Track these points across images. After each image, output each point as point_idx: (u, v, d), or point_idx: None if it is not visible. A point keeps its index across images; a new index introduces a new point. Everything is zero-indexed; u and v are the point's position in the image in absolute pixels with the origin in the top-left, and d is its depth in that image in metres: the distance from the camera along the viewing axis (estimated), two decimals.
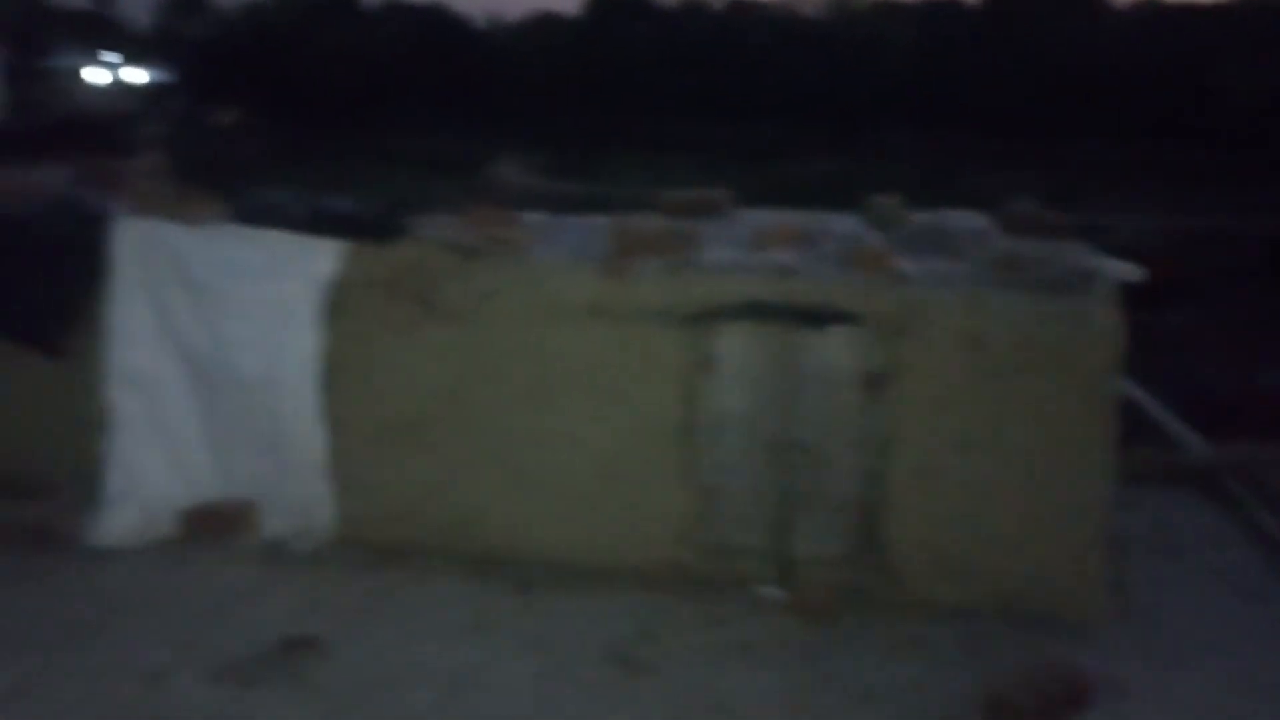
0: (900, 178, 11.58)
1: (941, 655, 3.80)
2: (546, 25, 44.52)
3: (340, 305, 4.33)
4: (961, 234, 4.57)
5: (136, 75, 41.59)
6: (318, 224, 4.44)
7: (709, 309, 4.08)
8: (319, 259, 4.36)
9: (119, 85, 40.87)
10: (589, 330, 4.09)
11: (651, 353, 4.12)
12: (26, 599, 4.03)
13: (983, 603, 4.03)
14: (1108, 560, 4.07)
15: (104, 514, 4.41)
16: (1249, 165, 24.78)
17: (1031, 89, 30.92)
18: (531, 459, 4.26)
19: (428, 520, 4.37)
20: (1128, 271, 4.26)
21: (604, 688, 3.58)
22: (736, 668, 3.70)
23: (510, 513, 4.32)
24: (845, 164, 25.25)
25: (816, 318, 4.00)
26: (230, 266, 4.42)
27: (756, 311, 4.03)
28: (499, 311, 4.15)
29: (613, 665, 3.69)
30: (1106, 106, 29.59)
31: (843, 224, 4.72)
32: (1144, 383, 6.78)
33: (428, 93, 38.04)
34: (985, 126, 29.63)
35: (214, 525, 4.49)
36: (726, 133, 32.16)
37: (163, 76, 42.43)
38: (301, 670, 3.63)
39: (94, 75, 40.82)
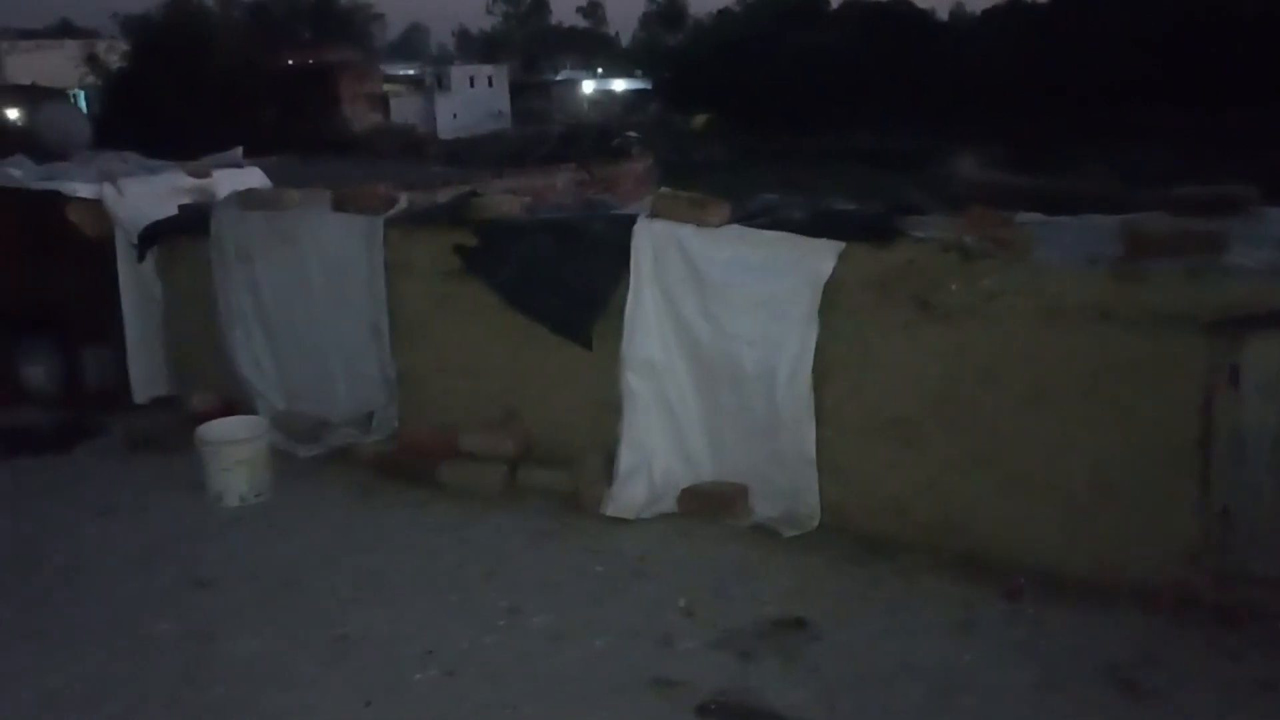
0: None
1: None
2: (1013, 13, 42.69)
3: (836, 303, 4.47)
4: None
5: (620, 85, 45.18)
6: (816, 225, 4.61)
7: (1235, 315, 3.75)
8: (817, 258, 4.52)
9: (606, 95, 44.59)
10: (1096, 335, 3.91)
11: (1165, 361, 3.86)
12: (557, 554, 4.59)
13: None
14: None
15: (618, 487, 4.90)
16: None
17: None
18: (1025, 463, 4.15)
19: (914, 516, 4.42)
20: None
21: (1104, 708, 3.41)
22: (1257, 705, 3.39)
23: (999, 516, 4.25)
24: None
25: None
26: (734, 265, 4.72)
27: None
28: (999, 313, 4.08)
29: (1113, 685, 3.51)
30: None
31: None
32: None
33: (888, 89, 37.87)
34: None
35: (710, 505, 4.84)
36: (1211, 118, 28.72)
37: (642, 85, 45.75)
38: (794, 649, 3.82)
39: (586, 87, 44.77)
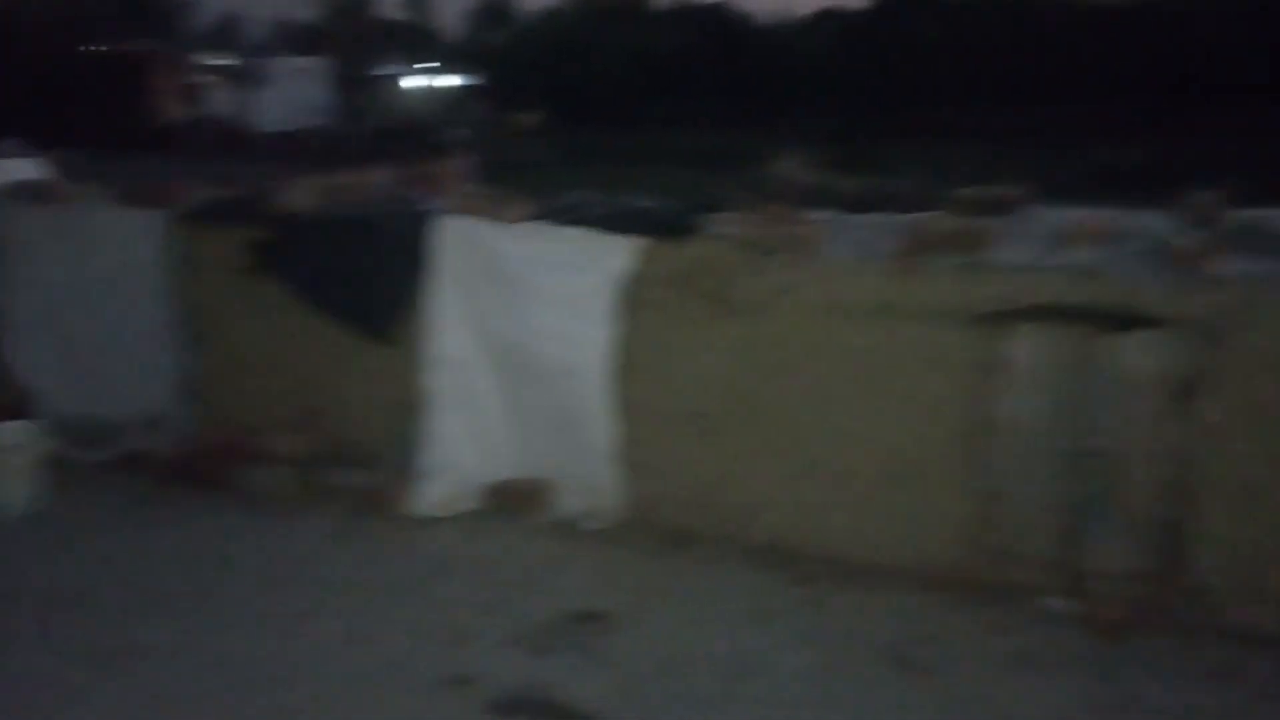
0: (1226, 164, 10.65)
1: (1254, 685, 3.54)
2: (831, 19, 44.20)
3: (635, 299, 4.53)
4: None
5: (445, 82, 44.56)
6: (616, 222, 4.67)
7: (1002, 310, 3.98)
8: (616, 255, 4.58)
9: (431, 92, 43.91)
10: (878, 328, 4.09)
11: (940, 353, 4.07)
12: (355, 556, 4.51)
13: None
14: None
15: (420, 485, 4.85)
16: None
17: None
18: (816, 454, 4.31)
19: (713, 508, 4.52)
20: None
21: (881, 686, 3.57)
22: (1021, 677, 3.60)
23: (793, 506, 4.39)
24: (1159, 150, 23.37)
25: (1118, 321, 3.82)
26: (534, 261, 4.73)
27: (1052, 313, 3.90)
28: (790, 308, 4.22)
29: (891, 664, 3.68)
30: None
31: (1153, 221, 4.47)
32: None
33: (711, 91, 38.65)
34: None
35: (513, 501, 4.84)
36: (1019, 118, 30.48)
37: (468, 82, 45.28)
38: (592, 643, 3.85)
39: (409, 83, 43.97)
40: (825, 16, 44.04)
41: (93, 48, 42.41)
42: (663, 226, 4.58)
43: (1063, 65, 32.52)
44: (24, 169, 6.26)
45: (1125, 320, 3.82)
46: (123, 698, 3.51)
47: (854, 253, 4.38)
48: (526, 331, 4.73)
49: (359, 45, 42.55)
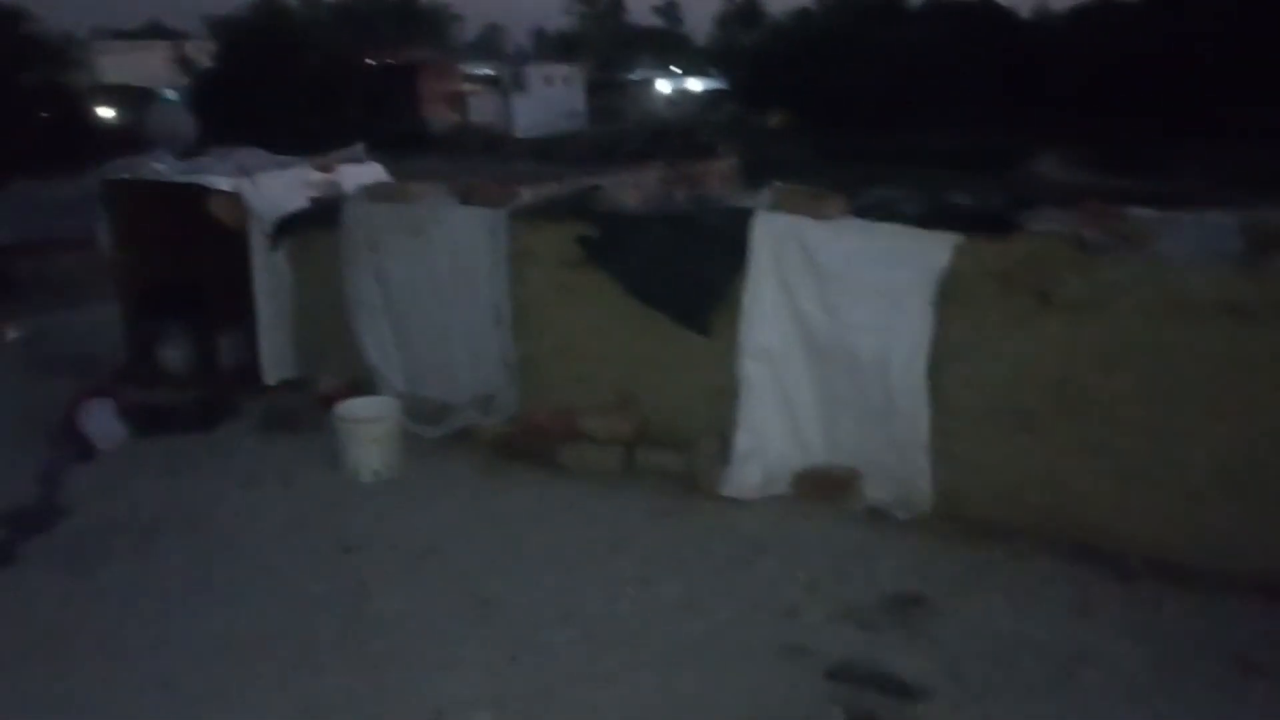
0: None
1: None
2: (1100, 12, 41.95)
3: (955, 294, 4.61)
4: None
5: (696, 85, 45.32)
6: (934, 218, 4.76)
7: None
8: (935, 250, 4.67)
9: (682, 95, 44.76)
10: (1219, 328, 4.02)
11: None
12: (679, 531, 4.81)
13: None
14: None
15: (734, 469, 5.11)
16: None
17: None
18: (1143, 452, 4.26)
19: (1027, 502, 4.55)
20: None
21: (1224, 685, 3.53)
22: None
23: (1114, 503, 4.36)
24: None
25: None
26: (852, 256, 4.88)
27: None
28: (1120, 306, 4.21)
29: (1233, 666, 3.63)
30: None
31: None
32: None
33: (969, 89, 37.48)
34: None
35: (823, 488, 5.02)
36: None
37: (718, 84, 45.85)
38: (915, 623, 3.99)
39: (662, 86, 44.94)
40: (1083, 13, 41.81)
41: (372, 59, 45.52)
42: (984, 222, 4.64)
43: None
44: (370, 172, 6.96)
45: None
46: (489, 647, 3.92)
47: (1185, 250, 4.31)
48: (842, 324, 4.89)
49: (613, 51, 43.79)
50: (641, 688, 3.66)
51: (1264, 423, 4.00)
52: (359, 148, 7.34)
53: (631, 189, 5.72)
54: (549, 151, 29.07)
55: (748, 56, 45.64)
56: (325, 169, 7.01)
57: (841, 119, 37.03)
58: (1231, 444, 4.07)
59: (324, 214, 6.48)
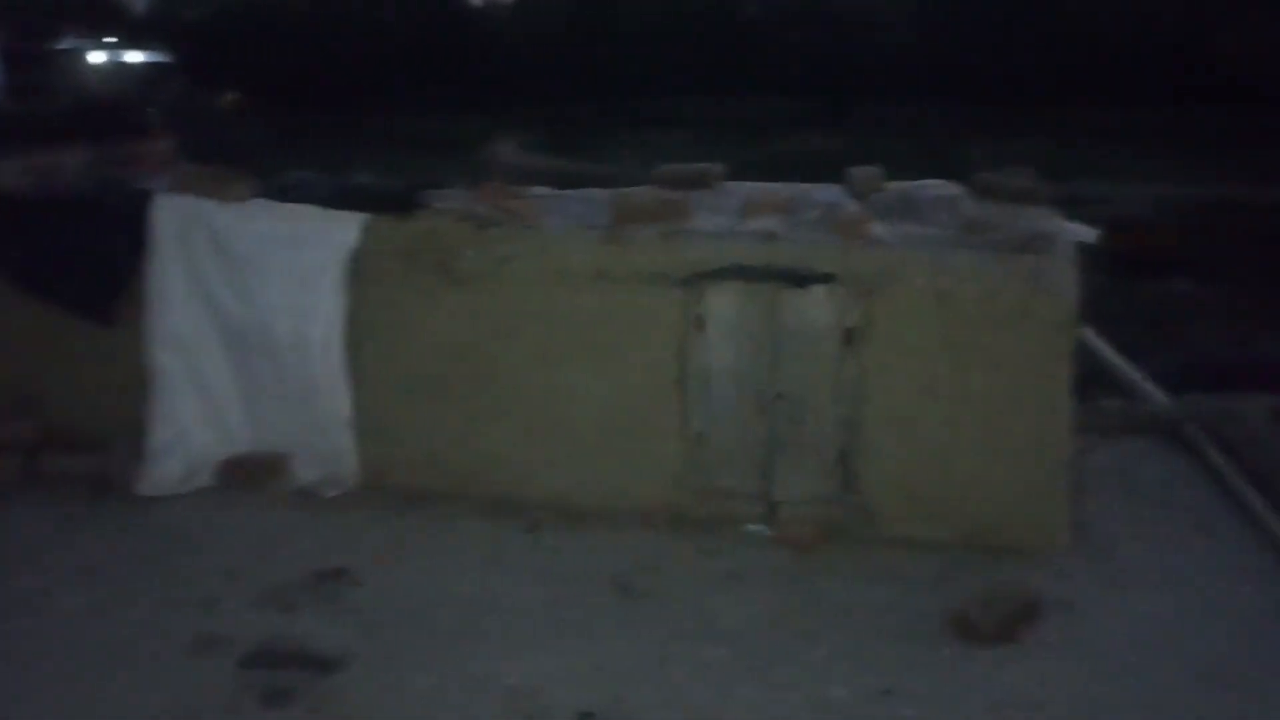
0: (892, 152, 11.85)
1: (912, 581, 4.20)
2: (541, 2, 44.65)
3: (364, 272, 4.74)
4: (933, 201, 4.98)
5: (136, 57, 41.71)
6: (341, 199, 4.85)
7: (700, 272, 4.48)
8: (343, 230, 4.76)
9: (119, 68, 41.02)
10: (592, 293, 4.50)
11: (648, 313, 4.53)
12: (92, 538, 4.48)
13: (951, 538, 4.43)
14: (1069, 497, 4.46)
15: (151, 465, 4.85)
16: (1264, 130, 23.68)
17: (1035, 55, 30.64)
18: (540, 411, 4.68)
19: (446, 467, 4.81)
20: (1085, 234, 4.70)
21: (606, 611, 3.99)
22: (727, 592, 4.12)
23: (521, 460, 4.75)
24: (839, 140, 25.45)
25: (798, 278, 4.40)
26: (261, 238, 4.83)
27: (743, 273, 4.43)
28: (511, 277, 4.56)
29: (614, 592, 4.12)
30: (1115, 71, 28.92)
31: (824, 194, 5.13)
32: (1141, 348, 7.18)
33: (422, 73, 38.20)
34: (988, 96, 29.33)
35: (250, 474, 4.93)
36: (720, 109, 32.27)
37: (160, 59, 42.54)
38: (336, 596, 4.07)
39: (95, 58, 40.89)
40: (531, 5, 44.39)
41: None
42: (387, 202, 4.80)
43: (758, 62, 34.53)
44: None
45: (803, 277, 4.41)
46: None
47: (569, 225, 4.77)
48: (256, 308, 4.82)
49: (35, 17, 39.14)
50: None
51: (632, 374, 4.55)
52: None
53: (13, 171, 5.17)
54: None
55: (194, 30, 42.86)
56: None
57: (298, 100, 36.08)
58: (609, 396, 4.59)
59: None
